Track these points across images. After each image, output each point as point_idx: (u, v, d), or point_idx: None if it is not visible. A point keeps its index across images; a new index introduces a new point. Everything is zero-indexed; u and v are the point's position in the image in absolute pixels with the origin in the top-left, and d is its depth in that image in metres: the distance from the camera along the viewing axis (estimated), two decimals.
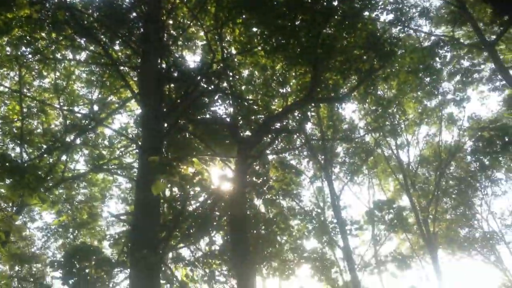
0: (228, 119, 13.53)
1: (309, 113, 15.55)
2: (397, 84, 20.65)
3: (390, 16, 13.83)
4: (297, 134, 17.75)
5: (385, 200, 21.82)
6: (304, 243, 20.20)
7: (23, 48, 12.97)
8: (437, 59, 20.24)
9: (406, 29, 19.12)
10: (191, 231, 9.54)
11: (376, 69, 13.05)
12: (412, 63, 18.77)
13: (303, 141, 19.65)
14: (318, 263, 18.49)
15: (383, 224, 21.12)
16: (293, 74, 13.98)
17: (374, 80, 14.60)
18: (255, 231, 13.41)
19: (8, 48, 13.02)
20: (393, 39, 12.69)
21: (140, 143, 10.37)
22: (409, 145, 25.74)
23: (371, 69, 12.73)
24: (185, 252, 13.11)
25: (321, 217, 21.31)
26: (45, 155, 14.93)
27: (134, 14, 12.80)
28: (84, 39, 12.67)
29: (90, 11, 12.47)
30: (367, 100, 19.87)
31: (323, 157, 21.31)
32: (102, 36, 12.60)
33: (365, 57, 12.58)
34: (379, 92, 21.06)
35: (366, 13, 12.48)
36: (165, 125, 10.78)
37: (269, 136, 14.06)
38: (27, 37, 11.92)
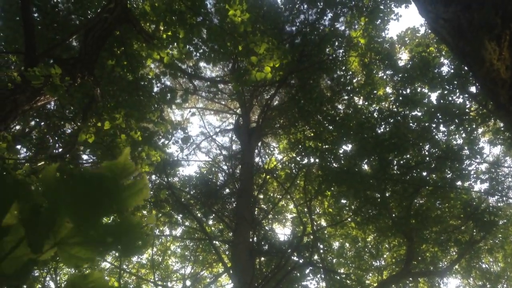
0: None
1: None
2: (504, 256, 18.98)
3: (485, 185, 13.28)
4: None
5: None
6: None
7: None
8: None
9: (504, 198, 18.22)
10: None
11: (477, 241, 12.31)
12: None
13: None
14: None
15: None
16: (387, 246, 13.48)
17: (476, 252, 13.65)
18: None
19: None
20: (492, 209, 12.11)
21: None
22: None
23: (471, 240, 12.04)
24: None
25: None
26: None
27: (228, 190, 13.68)
28: (181, 215, 13.48)
29: (188, 189, 13.53)
30: (472, 275, 18.24)
31: None
32: (197, 212, 13.40)
33: (463, 227, 12.04)
34: (484, 266, 19.37)
35: (459, 182, 12.18)
36: None
37: None
38: None
